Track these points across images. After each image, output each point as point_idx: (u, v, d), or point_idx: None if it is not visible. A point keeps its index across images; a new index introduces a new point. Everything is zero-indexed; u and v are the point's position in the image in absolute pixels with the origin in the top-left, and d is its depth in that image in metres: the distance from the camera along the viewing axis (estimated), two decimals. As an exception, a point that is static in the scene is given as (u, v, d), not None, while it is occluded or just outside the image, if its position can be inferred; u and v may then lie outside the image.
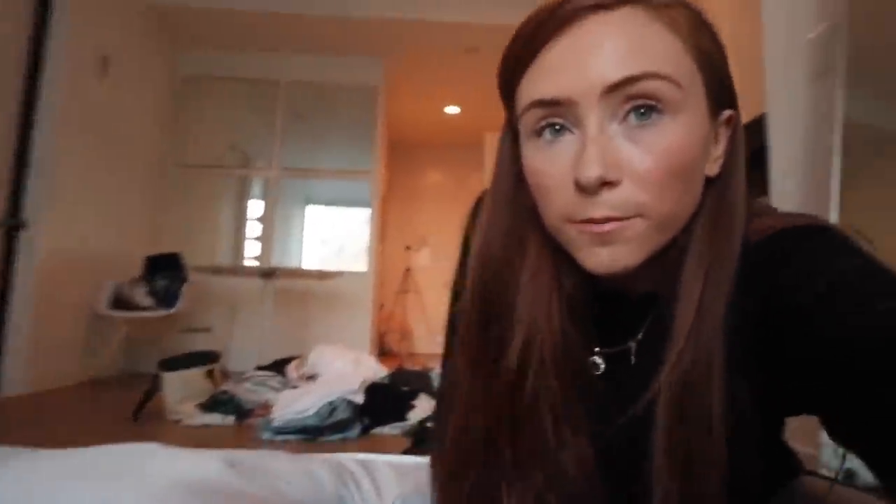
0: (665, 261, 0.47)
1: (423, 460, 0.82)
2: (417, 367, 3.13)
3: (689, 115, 0.43)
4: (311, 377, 2.72)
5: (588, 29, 0.42)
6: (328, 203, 6.59)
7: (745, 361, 0.43)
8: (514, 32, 0.47)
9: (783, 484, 0.57)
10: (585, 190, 0.42)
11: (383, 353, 6.64)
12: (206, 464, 0.58)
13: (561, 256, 0.50)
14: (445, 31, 4.57)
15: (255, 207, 5.59)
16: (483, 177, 6.29)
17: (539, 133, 0.45)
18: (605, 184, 0.41)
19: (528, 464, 0.49)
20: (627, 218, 0.42)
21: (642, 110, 0.41)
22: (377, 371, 2.87)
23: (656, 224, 0.43)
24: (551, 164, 0.44)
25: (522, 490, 0.49)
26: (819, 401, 0.40)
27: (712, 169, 0.47)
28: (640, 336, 0.52)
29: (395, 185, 7.37)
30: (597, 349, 0.53)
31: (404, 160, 7.42)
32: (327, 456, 0.78)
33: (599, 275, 0.45)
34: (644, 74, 0.41)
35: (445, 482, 0.54)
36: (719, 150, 0.47)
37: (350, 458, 0.78)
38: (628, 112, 0.42)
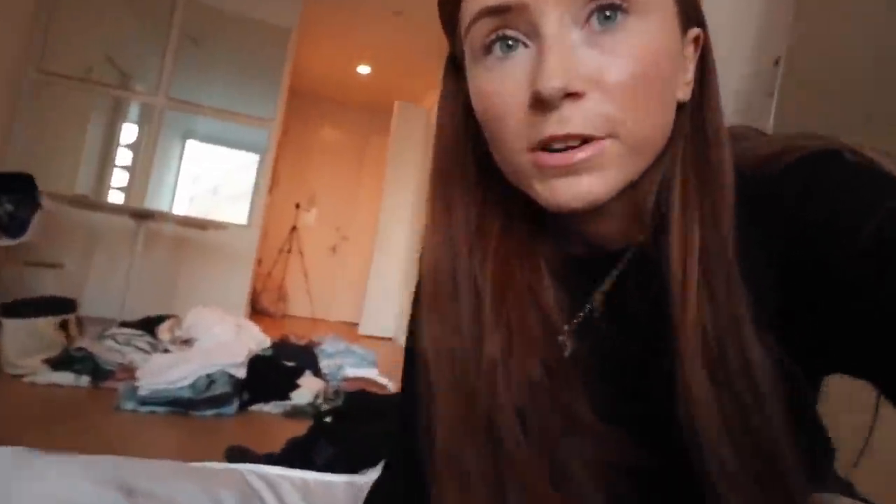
0: (639, 200, 0.42)
1: (336, 479, 0.75)
2: (302, 341, 2.96)
3: (658, 16, 0.37)
4: (187, 342, 2.47)
5: None
6: (211, 141, 5.99)
7: (773, 315, 0.36)
8: None
9: (824, 465, 0.48)
10: (546, 104, 0.36)
11: (256, 311, 6.32)
12: (97, 495, 0.48)
13: (519, 225, 0.47)
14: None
15: (128, 134, 4.97)
16: (388, 142, 6.15)
17: (488, 49, 0.39)
18: (568, 96, 0.36)
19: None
20: (597, 139, 0.36)
21: (607, 12, 0.36)
22: (260, 341, 2.68)
23: (631, 146, 0.37)
24: (503, 83, 0.38)
25: None
26: (873, 359, 0.33)
27: (685, 93, 0.42)
28: (603, 288, 0.45)
29: (291, 135, 6.96)
30: (565, 327, 0.45)
31: (304, 110, 7.01)
32: (233, 470, 0.68)
33: (563, 211, 0.39)
34: None
35: None
36: (689, 73, 0.42)
37: (257, 475, 0.68)
38: (590, 15, 0.36)
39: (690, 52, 0.42)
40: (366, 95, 6.77)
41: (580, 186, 0.37)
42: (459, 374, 0.44)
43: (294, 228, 6.27)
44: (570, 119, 0.36)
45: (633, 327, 0.42)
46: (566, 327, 0.45)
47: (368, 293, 5.91)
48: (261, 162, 4.76)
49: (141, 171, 4.61)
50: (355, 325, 6.12)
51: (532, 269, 0.47)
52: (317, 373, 2.68)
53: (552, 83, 0.35)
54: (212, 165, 4.91)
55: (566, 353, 0.45)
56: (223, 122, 4.78)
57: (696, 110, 0.42)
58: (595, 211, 0.40)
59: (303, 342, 2.95)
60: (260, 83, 4.76)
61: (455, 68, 0.47)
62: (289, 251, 6.21)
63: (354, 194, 7.22)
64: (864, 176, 0.35)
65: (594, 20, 0.36)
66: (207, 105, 4.66)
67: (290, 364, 2.56)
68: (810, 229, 0.35)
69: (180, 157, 5.25)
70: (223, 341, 2.41)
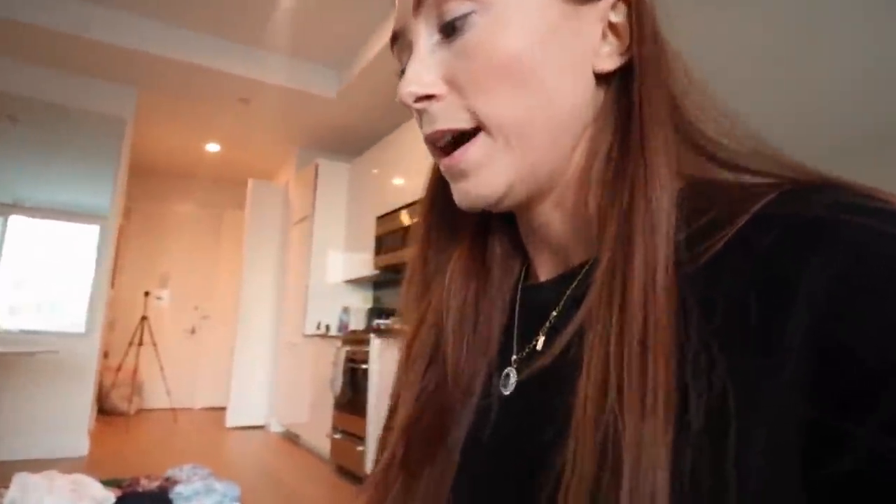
0: (578, 199, 0.40)
1: None
2: (154, 483, 2.72)
3: (508, 5, 0.37)
4: (10, 522, 2.16)
5: None
6: (36, 238, 5.33)
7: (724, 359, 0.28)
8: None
9: None
10: (411, 109, 0.39)
11: (105, 412, 5.71)
12: None
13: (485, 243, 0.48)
14: (216, 78, 4.19)
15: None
16: (245, 217, 5.92)
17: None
18: (427, 98, 0.39)
19: None
20: (468, 133, 0.38)
21: (453, 23, 0.37)
22: (103, 499, 2.42)
23: (504, 138, 0.37)
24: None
25: None
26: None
27: (604, 63, 0.38)
28: (551, 319, 0.42)
29: (136, 217, 6.47)
30: (514, 357, 0.44)
31: (150, 188, 6.57)
32: None
33: (469, 211, 0.41)
34: None
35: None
36: (621, 40, 0.38)
37: None
38: (440, 27, 0.38)
39: (620, 16, 0.38)
40: (217, 171, 6.52)
41: (468, 188, 0.39)
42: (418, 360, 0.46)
43: (144, 318, 5.78)
44: (434, 117, 0.39)
45: (570, 358, 0.35)
46: (514, 357, 0.44)
47: (235, 376, 5.58)
48: (98, 262, 4.35)
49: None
50: (222, 409, 5.74)
51: (486, 292, 0.47)
52: (172, 524, 2.47)
53: (404, 89, 0.38)
54: (39, 265, 4.38)
55: (508, 390, 0.42)
56: (49, 220, 4.32)
57: (628, 81, 0.38)
58: (541, 208, 0.42)
59: (155, 484, 2.70)
60: (95, 177, 4.38)
61: None
62: (140, 343, 5.70)
63: (213, 270, 6.85)
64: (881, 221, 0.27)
65: (447, 29, 0.38)
66: (28, 205, 4.21)
67: (139, 522, 2.34)
68: (842, 321, 0.25)
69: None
70: (54, 514, 2.13)
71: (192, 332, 6.78)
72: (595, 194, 0.39)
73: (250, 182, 5.88)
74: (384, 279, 4.77)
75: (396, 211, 4.08)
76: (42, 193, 4.29)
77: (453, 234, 0.48)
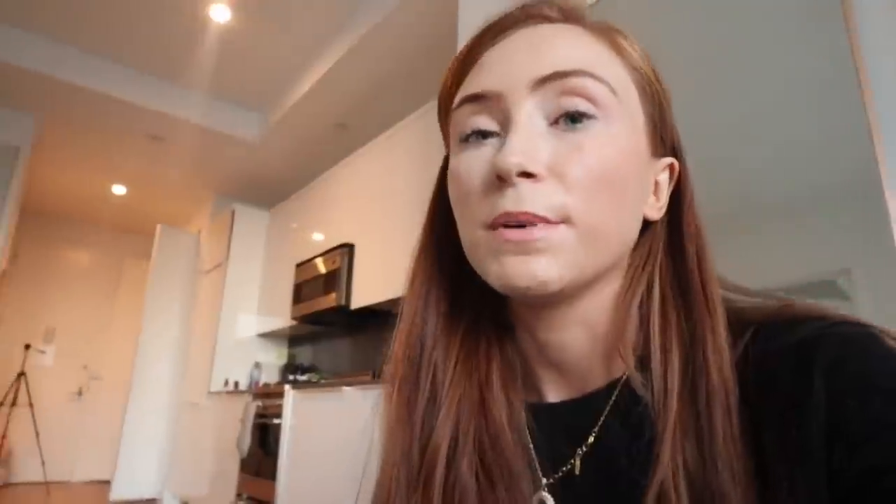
0: (612, 320, 0.42)
1: None
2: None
3: (624, 126, 0.40)
4: None
5: (528, 33, 0.41)
6: None
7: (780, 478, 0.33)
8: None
9: None
10: (504, 179, 0.38)
11: (-40, 486, 4.91)
12: None
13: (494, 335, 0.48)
14: (125, 110, 3.96)
15: None
16: (148, 266, 5.49)
17: (466, 139, 0.42)
18: (527, 176, 0.37)
19: None
20: (551, 222, 0.37)
21: (574, 115, 0.39)
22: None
23: (584, 235, 0.38)
24: (471, 163, 0.41)
25: None
26: None
27: (655, 213, 0.44)
28: (589, 442, 0.42)
29: (22, 263, 5.87)
30: (544, 481, 0.44)
31: (41, 232, 6.02)
32: None
33: (515, 291, 0.39)
34: (576, 71, 0.39)
35: None
36: (662, 199, 0.44)
37: None
38: (560, 115, 0.39)
39: (664, 178, 0.44)
40: (121, 216, 6.09)
41: (531, 265, 0.38)
42: (402, 459, 0.44)
43: (22, 374, 5.13)
44: (526, 199, 0.37)
45: (617, 485, 0.39)
46: (545, 481, 0.44)
47: (124, 442, 4.98)
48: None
49: None
50: (106, 483, 5.08)
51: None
52: None
53: (511, 159, 0.37)
54: None
55: None
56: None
57: (672, 232, 0.44)
58: (564, 326, 0.42)
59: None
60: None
61: (446, 172, 0.49)
62: (13, 404, 5.02)
63: (106, 326, 6.26)
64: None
65: (563, 120, 0.39)
66: None
67: None
68: (854, 442, 0.31)
69: None
70: None
71: (79, 393, 6.08)
72: (639, 321, 0.42)
73: (159, 227, 5.51)
74: (300, 333, 4.52)
75: (315, 258, 3.92)
76: None
77: (450, 334, 0.48)
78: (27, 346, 5.26)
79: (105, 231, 6.40)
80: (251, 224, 4.96)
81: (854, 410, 0.31)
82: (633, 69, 0.42)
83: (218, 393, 4.39)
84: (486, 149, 0.41)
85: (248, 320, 4.79)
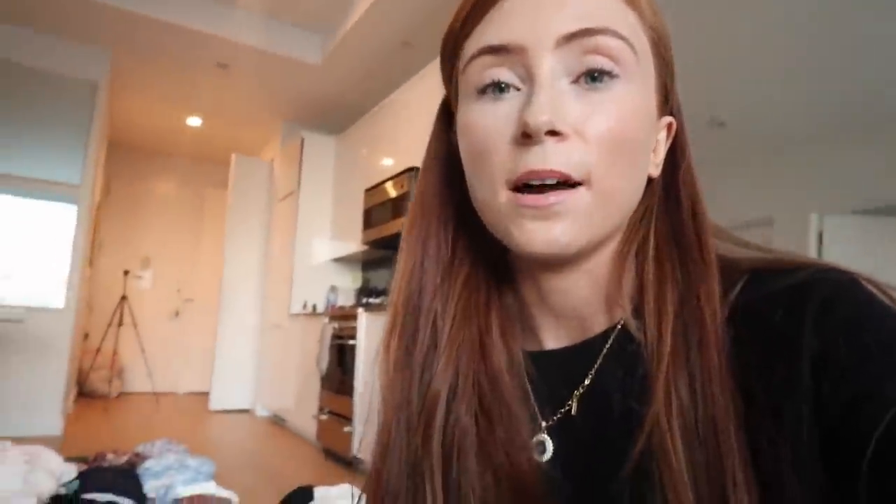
0: (614, 270, 0.44)
1: None
2: (122, 458, 2.54)
3: (641, 87, 0.40)
4: (-44, 498, 1.98)
5: None
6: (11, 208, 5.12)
7: (768, 419, 0.35)
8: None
9: None
10: (532, 136, 0.37)
11: (84, 394, 5.52)
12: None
13: (494, 284, 0.49)
14: (192, 39, 3.98)
15: None
16: (226, 196, 5.72)
17: (482, 91, 0.41)
18: (553, 134, 0.38)
19: None
20: (571, 183, 0.38)
21: (596, 73, 0.38)
22: (62, 473, 2.24)
23: (601, 198, 0.39)
24: (492, 118, 0.40)
25: None
26: None
27: (654, 170, 0.45)
28: (583, 386, 0.44)
29: (115, 195, 6.25)
30: (544, 424, 0.45)
31: (129, 165, 6.35)
32: None
33: (535, 255, 0.40)
34: (602, 29, 0.38)
35: None
36: (660, 155, 0.45)
37: None
38: (582, 73, 0.39)
39: (663, 137, 0.45)
40: (199, 147, 6.30)
41: (552, 231, 0.38)
42: (403, 404, 0.46)
43: (124, 298, 5.58)
44: (552, 156, 0.37)
45: (613, 423, 0.41)
46: (544, 423, 0.45)
47: (218, 360, 5.40)
48: (76, 232, 4.14)
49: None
50: (205, 394, 5.56)
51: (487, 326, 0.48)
52: (140, 500, 2.29)
53: (540, 117, 0.36)
54: (13, 239, 4.16)
55: (546, 456, 0.44)
56: (21, 191, 4.10)
57: (669, 188, 0.45)
58: (568, 274, 0.43)
59: (122, 459, 2.52)
60: (66, 146, 4.17)
61: (447, 114, 0.49)
62: (119, 324, 5.50)
63: (194, 252, 6.64)
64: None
65: (585, 78, 0.39)
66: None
67: (104, 500, 2.16)
68: (842, 372, 0.33)
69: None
70: (3, 489, 1.96)
71: (176, 314, 6.58)
72: (636, 271, 0.44)
73: (233, 157, 5.68)
74: (372, 257, 4.60)
75: (384, 182, 3.90)
76: (15, 165, 4.07)
77: (449, 282, 0.48)
78: (126, 273, 5.67)
79: (186, 162, 6.67)
80: (320, 151, 4.99)
81: (842, 345, 0.33)
82: (649, 27, 0.42)
83: (297, 315, 4.60)
84: (505, 104, 0.40)
85: (322, 245, 4.92)
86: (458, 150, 0.45)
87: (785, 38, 3.19)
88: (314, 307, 4.60)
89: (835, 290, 0.35)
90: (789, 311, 0.35)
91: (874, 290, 0.35)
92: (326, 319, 3.84)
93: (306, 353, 4.20)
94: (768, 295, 0.37)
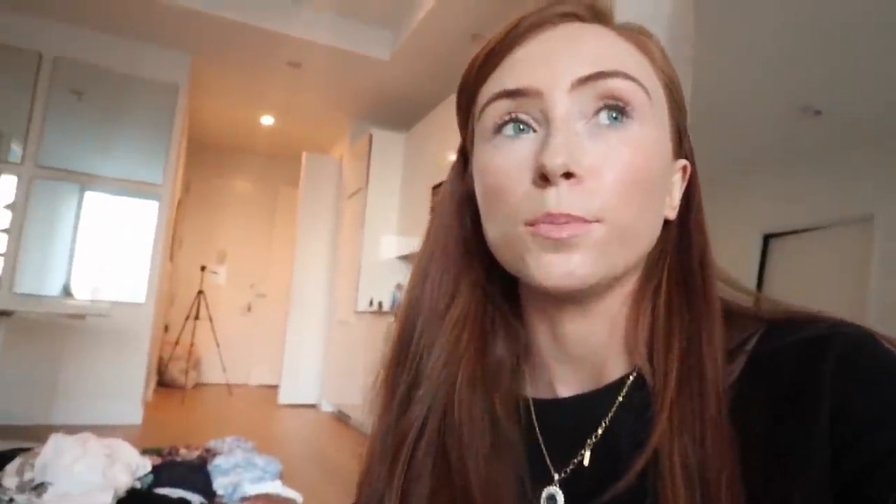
0: (631, 314, 0.44)
1: None
2: (194, 454, 2.59)
3: (655, 128, 0.41)
4: (39, 487, 2.06)
5: (562, 31, 0.42)
6: (105, 208, 5.37)
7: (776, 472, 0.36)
8: (481, 45, 0.44)
9: None
10: (548, 178, 0.38)
11: (164, 384, 5.78)
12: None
13: (497, 321, 0.49)
14: (266, 39, 4.04)
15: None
16: (298, 193, 5.83)
17: (499, 129, 0.41)
18: (568, 177, 0.38)
19: None
20: (588, 222, 0.38)
21: (613, 112, 0.39)
22: (138, 467, 2.29)
23: (618, 234, 0.39)
24: (509, 159, 0.41)
25: None
26: None
27: (670, 212, 0.45)
28: (597, 436, 0.43)
29: (194, 192, 6.50)
30: (555, 476, 0.45)
31: (207, 164, 6.58)
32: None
33: (551, 289, 0.39)
34: (615, 72, 0.39)
35: None
36: (675, 198, 0.45)
37: None
38: (597, 111, 0.40)
39: (678, 179, 0.46)
40: (272, 146, 6.45)
41: (570, 262, 0.38)
42: (380, 436, 0.48)
43: (201, 293, 5.79)
44: (567, 199, 0.38)
45: (620, 464, 0.40)
46: (556, 476, 0.45)
47: (287, 355, 5.51)
48: (156, 233, 4.31)
49: (11, 251, 4.07)
50: (275, 388, 5.69)
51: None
52: (209, 496, 2.33)
53: (556, 159, 0.37)
54: (103, 237, 4.36)
55: None
56: (114, 190, 4.29)
57: (682, 232, 0.45)
58: (585, 317, 0.43)
59: (194, 455, 2.58)
60: (149, 147, 4.33)
61: (464, 158, 0.50)
62: (196, 317, 5.72)
63: (267, 248, 6.83)
64: None
65: (601, 116, 0.40)
66: (89, 172, 4.19)
67: (176, 497, 2.20)
68: (861, 427, 0.33)
69: (75, 227, 4.54)
70: (85, 481, 2.02)
71: (248, 309, 6.79)
72: (649, 316, 0.44)
73: (304, 155, 5.77)
74: (439, 254, 4.54)
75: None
76: (106, 166, 4.27)
77: (444, 323, 0.48)
78: (203, 268, 5.89)
79: (260, 161, 6.85)
80: (388, 147, 4.98)
81: (862, 400, 0.33)
82: (660, 71, 0.43)
83: (363, 312, 4.60)
84: (522, 143, 0.40)
85: (389, 243, 4.91)
86: (472, 195, 0.46)
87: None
88: (380, 304, 4.59)
89: (854, 344, 0.36)
90: (807, 363, 0.36)
91: (891, 348, 0.36)
92: (392, 318, 3.80)
93: (371, 350, 4.19)
94: (786, 346, 0.38)
